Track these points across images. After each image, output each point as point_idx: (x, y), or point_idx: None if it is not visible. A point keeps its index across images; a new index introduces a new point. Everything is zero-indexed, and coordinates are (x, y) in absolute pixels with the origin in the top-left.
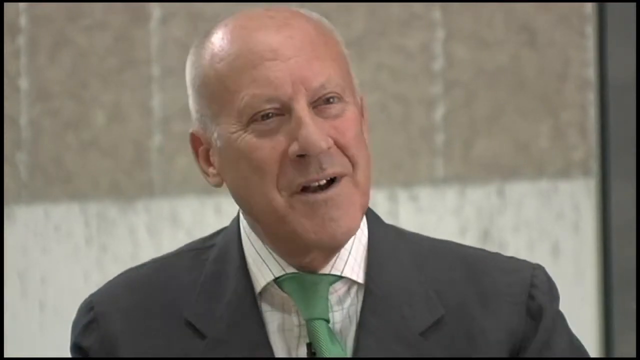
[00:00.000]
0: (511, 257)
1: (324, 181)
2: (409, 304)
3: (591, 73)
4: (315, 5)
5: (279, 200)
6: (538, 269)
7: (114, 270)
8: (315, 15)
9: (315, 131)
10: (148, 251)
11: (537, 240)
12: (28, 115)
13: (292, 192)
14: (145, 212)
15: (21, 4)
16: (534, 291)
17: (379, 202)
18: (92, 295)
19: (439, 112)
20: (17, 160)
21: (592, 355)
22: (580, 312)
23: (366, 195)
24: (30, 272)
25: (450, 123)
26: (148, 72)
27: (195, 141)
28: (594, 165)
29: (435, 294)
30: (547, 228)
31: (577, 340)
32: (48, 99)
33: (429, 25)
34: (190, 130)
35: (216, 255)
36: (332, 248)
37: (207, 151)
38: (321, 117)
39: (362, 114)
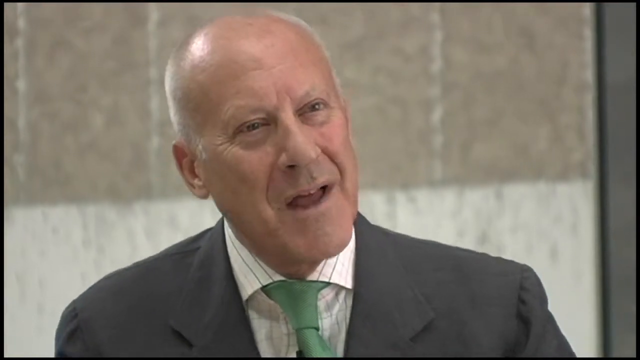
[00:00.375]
0: (499, 259)
1: (314, 190)
2: (399, 309)
3: (589, 75)
4: (314, 6)
5: (270, 212)
6: (527, 271)
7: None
8: (293, 19)
9: (303, 141)
10: (146, 254)
11: (535, 242)
12: (26, 117)
13: (282, 204)
14: (144, 215)
15: (20, 6)
16: (524, 295)
17: (377, 204)
18: (74, 302)
19: (437, 115)
20: (15, 162)
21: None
22: (579, 315)
23: (355, 204)
24: (29, 275)
25: (449, 125)
26: (146, 74)
27: (179, 152)
28: (592, 167)
29: (424, 297)
30: (546, 230)
31: (566, 344)
32: (46, 101)
33: (427, 27)
34: (174, 142)
35: (201, 260)
36: (323, 260)
37: (192, 162)
38: (308, 125)
39: (346, 117)
